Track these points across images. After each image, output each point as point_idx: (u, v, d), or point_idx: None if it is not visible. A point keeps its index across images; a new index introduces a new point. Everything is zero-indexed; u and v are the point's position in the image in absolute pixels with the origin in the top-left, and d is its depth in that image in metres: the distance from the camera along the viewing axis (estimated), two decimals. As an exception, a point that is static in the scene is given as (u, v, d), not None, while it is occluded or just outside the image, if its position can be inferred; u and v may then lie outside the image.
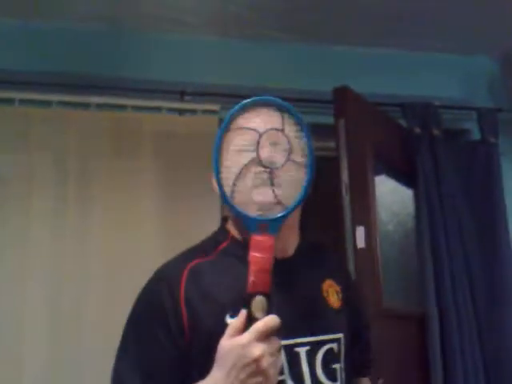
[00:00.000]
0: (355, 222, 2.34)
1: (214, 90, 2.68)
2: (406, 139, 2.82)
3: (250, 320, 0.97)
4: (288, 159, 1.08)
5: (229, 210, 1.09)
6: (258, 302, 0.98)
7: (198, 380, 1.04)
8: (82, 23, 2.66)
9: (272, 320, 0.97)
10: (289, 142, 1.08)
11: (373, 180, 2.53)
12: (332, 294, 1.24)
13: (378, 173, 2.60)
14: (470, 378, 2.54)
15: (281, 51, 2.90)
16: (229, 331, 0.99)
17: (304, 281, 1.19)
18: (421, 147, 2.79)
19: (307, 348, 1.14)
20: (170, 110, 2.68)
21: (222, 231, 1.25)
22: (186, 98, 2.68)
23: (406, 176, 2.82)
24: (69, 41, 2.66)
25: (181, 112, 2.70)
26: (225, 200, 1.07)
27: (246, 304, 0.99)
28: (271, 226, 1.04)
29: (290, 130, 1.09)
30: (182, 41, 2.79)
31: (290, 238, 1.23)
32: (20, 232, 2.41)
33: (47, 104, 2.55)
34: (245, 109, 1.10)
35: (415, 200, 2.78)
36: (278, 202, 1.05)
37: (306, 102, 2.65)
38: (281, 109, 1.10)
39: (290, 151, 1.08)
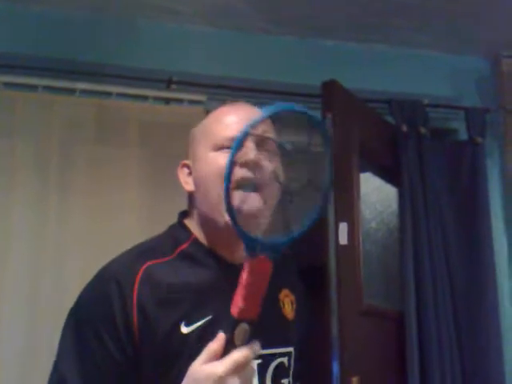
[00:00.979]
0: (338, 218, 2.33)
1: (201, 80, 2.65)
2: (393, 137, 2.80)
3: (229, 345, 0.90)
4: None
5: (232, 226, 0.93)
6: (242, 329, 0.90)
7: None
8: (70, 8, 2.62)
9: (253, 351, 0.90)
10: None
11: (358, 176, 2.51)
12: (288, 304, 1.17)
13: (363, 169, 2.58)
14: (447, 378, 2.54)
15: (270, 44, 2.87)
16: (205, 355, 0.91)
17: None
18: (407, 145, 2.77)
19: (259, 361, 1.07)
20: (156, 98, 2.65)
21: (183, 229, 1.17)
22: (173, 86, 2.65)
23: (390, 174, 2.81)
24: (56, 25, 2.61)
25: (167, 101, 2.67)
26: (233, 219, 0.92)
27: (229, 329, 0.91)
28: (274, 250, 0.93)
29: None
30: (170, 29, 2.75)
31: None
32: (1, 218, 2.38)
33: (33, 88, 2.51)
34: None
35: (399, 198, 2.77)
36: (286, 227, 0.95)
37: (294, 96, 2.63)
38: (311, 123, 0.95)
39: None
